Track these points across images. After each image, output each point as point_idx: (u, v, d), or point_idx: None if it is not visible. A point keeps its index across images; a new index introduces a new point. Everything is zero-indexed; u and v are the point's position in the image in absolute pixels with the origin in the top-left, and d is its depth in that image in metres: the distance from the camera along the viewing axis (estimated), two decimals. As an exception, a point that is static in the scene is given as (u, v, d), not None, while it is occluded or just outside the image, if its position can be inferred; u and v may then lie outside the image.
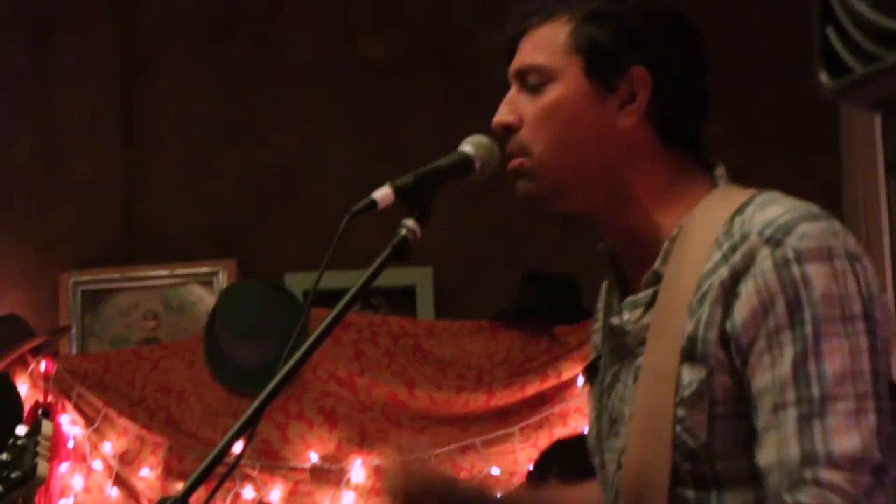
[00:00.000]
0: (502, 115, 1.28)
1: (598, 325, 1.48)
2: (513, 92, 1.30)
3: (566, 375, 2.81)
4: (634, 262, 1.31)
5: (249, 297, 3.00)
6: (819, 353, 1.15)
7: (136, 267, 3.38)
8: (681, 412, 1.23)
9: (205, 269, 3.28)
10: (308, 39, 3.21)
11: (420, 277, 3.18)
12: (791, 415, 1.15)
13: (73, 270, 3.33)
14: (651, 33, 1.27)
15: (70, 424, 3.02)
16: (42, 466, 2.15)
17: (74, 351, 3.21)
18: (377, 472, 2.87)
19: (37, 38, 3.43)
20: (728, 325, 1.18)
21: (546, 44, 1.29)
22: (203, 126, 3.42)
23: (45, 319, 3.23)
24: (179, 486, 2.34)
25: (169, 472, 2.94)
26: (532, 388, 2.84)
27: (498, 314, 2.92)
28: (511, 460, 2.84)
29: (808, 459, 1.13)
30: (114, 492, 2.96)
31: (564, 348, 2.79)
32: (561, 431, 2.73)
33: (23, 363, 3.08)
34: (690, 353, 1.23)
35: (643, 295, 1.28)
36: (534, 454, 2.92)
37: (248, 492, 2.91)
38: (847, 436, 1.12)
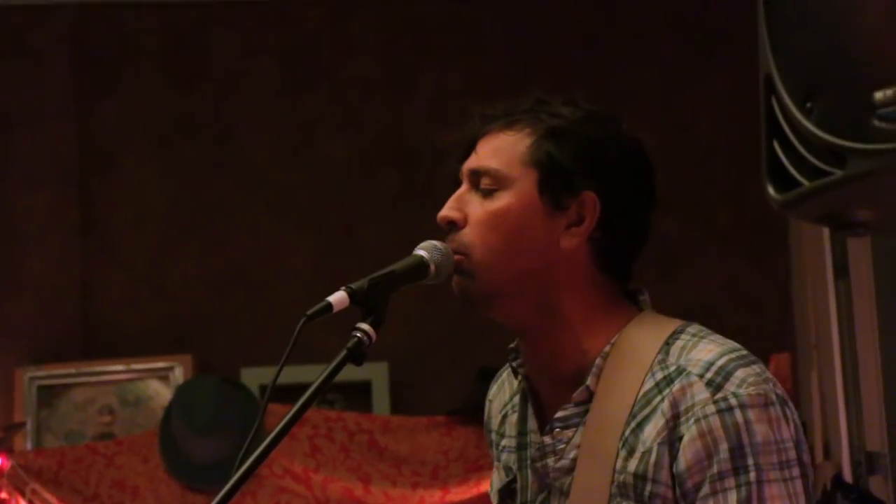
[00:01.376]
0: (448, 210, 1.28)
1: (505, 441, 1.45)
2: (462, 189, 1.31)
3: (521, 472, 2.80)
4: (555, 382, 1.31)
5: (205, 392, 3.00)
6: (762, 498, 1.20)
7: (92, 362, 3.35)
8: None
9: (161, 364, 3.26)
10: (265, 139, 3.28)
11: (375, 373, 3.18)
12: None
13: (29, 365, 3.31)
14: (608, 161, 1.29)
15: None
16: None
17: (29, 446, 3.16)
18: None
19: (-4, 132, 3.49)
20: (674, 467, 1.21)
21: (505, 151, 1.29)
22: (160, 221, 3.43)
23: (-1, 414, 3.19)
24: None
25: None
26: (487, 484, 2.81)
27: (453, 410, 2.95)
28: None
29: None
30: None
31: (518, 445, 2.79)
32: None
33: None
34: (637, 493, 1.26)
35: (572, 412, 1.28)
36: None
37: None
38: None
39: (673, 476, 1.21)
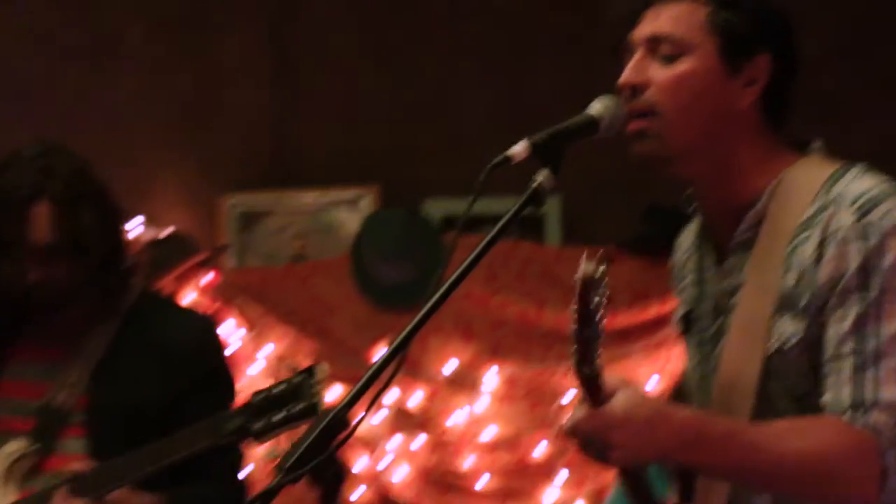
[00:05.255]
0: (631, 76, 1.35)
1: (687, 281, 1.60)
2: (640, 56, 1.37)
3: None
4: (728, 220, 1.43)
5: (391, 221, 3.29)
6: (879, 315, 1.31)
7: (286, 191, 3.65)
8: (781, 341, 1.40)
9: (350, 194, 3.52)
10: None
11: (549, 206, 3.33)
12: (848, 364, 1.32)
13: (231, 193, 3.63)
14: (776, 25, 1.39)
15: (234, 328, 3.37)
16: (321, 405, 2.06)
17: (234, 266, 3.55)
18: (510, 380, 3.16)
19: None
20: (816, 282, 1.35)
21: (684, 19, 1.36)
22: (350, 59, 3.66)
23: (204, 237, 3.56)
24: (333, 388, 2.64)
25: (323, 376, 3.28)
26: (652, 311, 3.07)
27: (621, 242, 3.13)
28: (632, 377, 3.08)
29: (858, 403, 1.31)
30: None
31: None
32: (677, 351, 2.93)
33: (190, 276, 3.46)
34: (795, 305, 1.39)
35: (744, 237, 1.42)
36: (653, 371, 3.16)
37: (389, 398, 3.23)
38: (893, 386, 1.30)
39: (817, 285, 1.34)
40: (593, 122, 1.35)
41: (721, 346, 1.51)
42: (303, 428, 1.57)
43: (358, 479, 3.32)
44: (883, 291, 1.34)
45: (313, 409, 1.82)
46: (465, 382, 3.21)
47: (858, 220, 1.35)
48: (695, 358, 1.59)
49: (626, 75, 1.38)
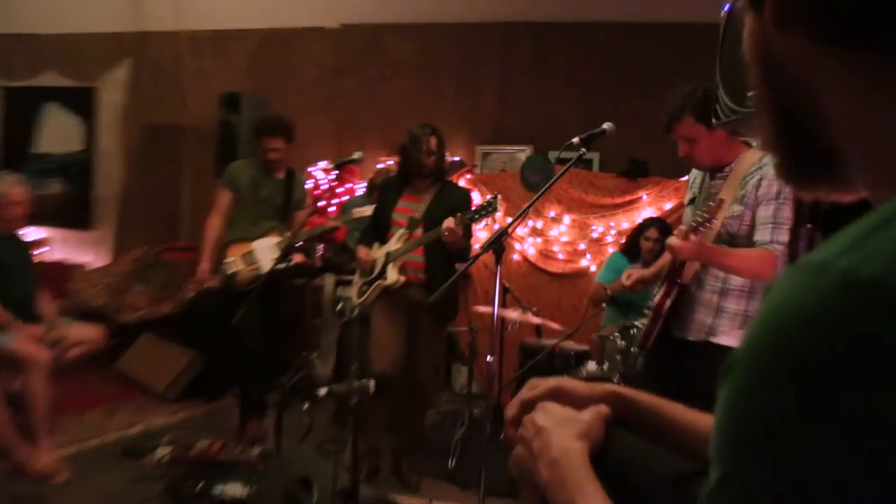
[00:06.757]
0: (681, 150, 2.88)
1: (695, 186, 3.26)
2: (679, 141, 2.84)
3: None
4: (715, 170, 3.14)
5: (535, 159, 7.23)
6: (779, 208, 2.98)
7: (499, 145, 7.52)
8: (730, 213, 2.98)
9: (524, 148, 7.47)
10: None
11: (591, 154, 7.04)
12: (768, 226, 2.96)
13: (483, 145, 7.52)
14: (705, 104, 3.02)
15: (480, 197, 6.66)
16: (497, 208, 4.03)
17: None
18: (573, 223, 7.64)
19: None
20: (757, 195, 3.00)
21: (688, 128, 3.04)
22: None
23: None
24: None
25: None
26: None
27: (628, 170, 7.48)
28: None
29: (769, 241, 2.98)
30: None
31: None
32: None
33: (461, 172, 7.30)
34: (740, 199, 3.00)
35: (723, 174, 3.10)
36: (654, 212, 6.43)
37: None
38: (783, 235, 2.90)
39: (756, 197, 3.03)
40: (603, 132, 3.09)
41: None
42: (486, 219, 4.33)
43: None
44: (783, 199, 2.94)
45: (493, 207, 4.00)
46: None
47: (769, 170, 2.86)
48: (690, 216, 3.24)
49: (680, 149, 3.04)
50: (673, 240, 3.00)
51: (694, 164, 3.24)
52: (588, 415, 1.18)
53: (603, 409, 1.20)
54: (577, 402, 1.23)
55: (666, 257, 3.38)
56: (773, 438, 0.54)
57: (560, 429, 1.14)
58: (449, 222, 4.28)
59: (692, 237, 2.98)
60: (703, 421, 1.15)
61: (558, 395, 1.26)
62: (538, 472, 1.12)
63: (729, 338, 3.14)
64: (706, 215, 3.01)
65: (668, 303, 3.24)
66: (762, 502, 0.54)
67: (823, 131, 0.65)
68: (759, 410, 0.55)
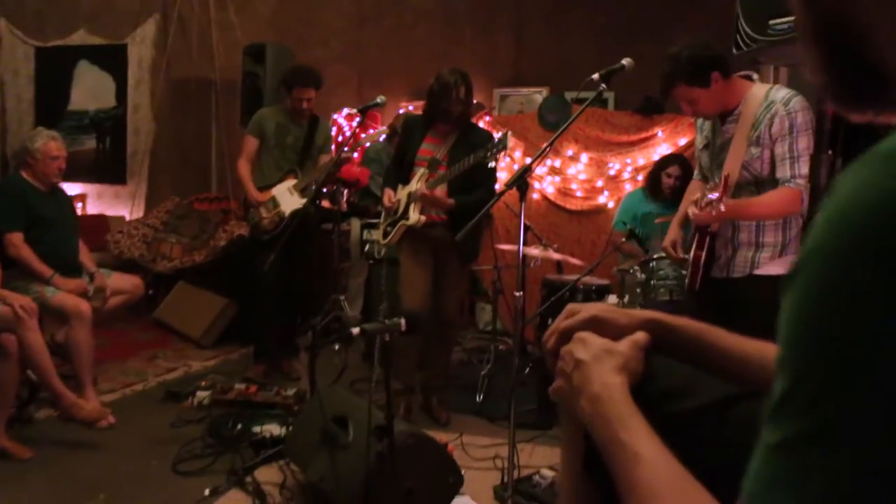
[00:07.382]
0: (685, 110, 2.78)
1: (706, 131, 3.22)
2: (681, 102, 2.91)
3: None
4: (725, 114, 3.12)
5: (552, 100, 7.45)
6: (795, 141, 2.95)
7: (518, 87, 7.70)
8: (749, 156, 2.98)
9: (540, 90, 7.82)
10: None
11: (608, 94, 7.09)
12: (786, 161, 2.97)
13: (502, 87, 7.78)
14: (707, 67, 3.03)
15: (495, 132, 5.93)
16: (508, 144, 3.95)
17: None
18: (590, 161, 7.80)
19: None
20: (770, 134, 2.95)
21: (683, 94, 3.03)
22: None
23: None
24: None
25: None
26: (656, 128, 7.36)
27: (638, 109, 7.51)
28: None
29: (792, 176, 3.00)
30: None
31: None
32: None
33: (480, 115, 7.40)
34: (755, 141, 2.95)
35: (734, 117, 3.05)
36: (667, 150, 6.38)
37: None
38: (803, 167, 2.90)
39: (770, 135, 3.01)
40: (622, 67, 2.95)
41: (724, 157, 2.94)
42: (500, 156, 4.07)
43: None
44: (797, 132, 2.90)
45: (503, 144, 3.88)
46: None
47: (784, 106, 2.77)
48: (708, 161, 3.21)
49: (685, 108, 3.07)
50: (694, 213, 3.06)
51: (702, 116, 3.28)
52: (625, 346, 1.15)
53: (641, 338, 1.17)
54: (617, 331, 1.20)
55: (685, 202, 3.46)
56: (851, 323, 0.52)
57: (599, 363, 1.12)
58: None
59: (710, 211, 3.05)
60: (750, 345, 1.11)
61: (597, 324, 1.23)
62: (580, 407, 1.10)
63: (771, 267, 3.20)
64: (717, 193, 3.05)
65: (703, 255, 3.27)
66: (837, 396, 0.52)
67: (868, 48, 0.63)
68: (836, 298, 0.53)
